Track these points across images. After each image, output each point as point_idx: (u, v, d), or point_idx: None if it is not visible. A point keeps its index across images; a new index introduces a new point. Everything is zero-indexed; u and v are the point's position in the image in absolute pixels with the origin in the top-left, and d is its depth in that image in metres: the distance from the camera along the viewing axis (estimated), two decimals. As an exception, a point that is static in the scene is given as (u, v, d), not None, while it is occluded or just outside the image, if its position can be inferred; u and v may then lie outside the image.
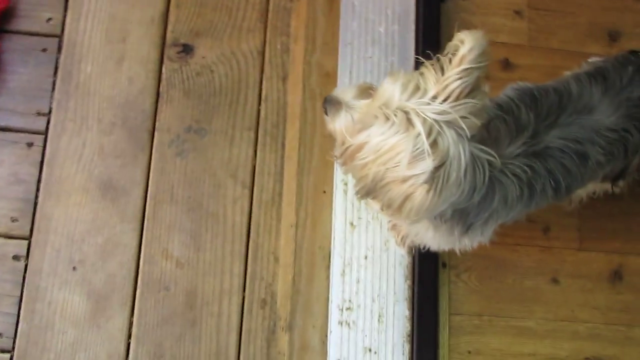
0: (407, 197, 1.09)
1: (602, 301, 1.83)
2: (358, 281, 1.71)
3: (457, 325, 1.76)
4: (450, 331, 1.75)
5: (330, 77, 1.84)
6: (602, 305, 1.83)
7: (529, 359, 1.77)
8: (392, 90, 1.11)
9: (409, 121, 1.08)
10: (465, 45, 1.07)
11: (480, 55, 1.07)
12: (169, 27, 1.86)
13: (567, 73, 1.56)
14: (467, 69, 1.07)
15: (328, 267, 1.73)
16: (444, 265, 1.78)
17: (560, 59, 1.95)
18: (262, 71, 1.86)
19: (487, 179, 1.15)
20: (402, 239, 1.74)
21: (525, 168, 1.27)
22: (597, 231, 1.87)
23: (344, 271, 1.71)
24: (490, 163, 1.15)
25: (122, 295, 1.68)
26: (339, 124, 1.23)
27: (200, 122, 1.81)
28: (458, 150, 1.07)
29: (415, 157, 1.06)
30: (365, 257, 1.73)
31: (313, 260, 1.73)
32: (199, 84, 1.83)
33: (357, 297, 1.71)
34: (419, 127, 1.06)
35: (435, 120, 1.07)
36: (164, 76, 1.82)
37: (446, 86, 1.09)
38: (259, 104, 1.84)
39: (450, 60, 1.09)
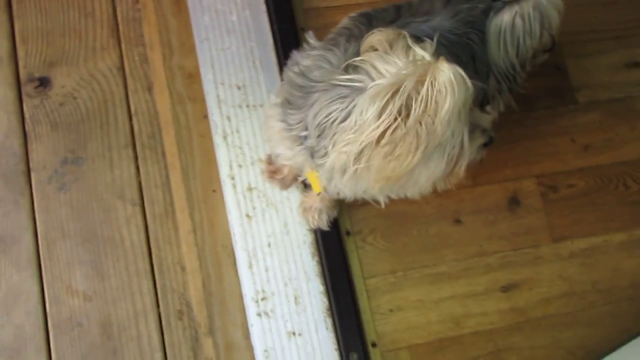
0: None
1: (506, 229, 1.88)
2: (267, 270, 1.72)
3: (373, 287, 1.78)
4: (369, 295, 1.77)
5: (194, 77, 1.82)
6: (507, 234, 1.88)
7: (449, 302, 1.81)
8: None
9: None
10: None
11: None
12: (20, 64, 1.81)
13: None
14: None
15: (234, 263, 1.72)
16: (348, 233, 1.80)
17: None
18: (125, 86, 1.83)
19: None
20: (319, 215, 1.72)
21: None
22: (487, 164, 1.91)
23: (250, 263, 1.72)
24: None
25: (35, 343, 1.65)
26: None
27: (75, 152, 1.77)
28: None
29: None
30: (269, 245, 1.73)
31: (218, 260, 1.73)
32: (65, 114, 1.79)
33: (269, 285, 1.71)
34: None
35: None
36: (26, 115, 1.78)
37: None
38: (130, 119, 1.81)
39: None
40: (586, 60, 2.04)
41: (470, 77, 1.40)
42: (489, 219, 1.88)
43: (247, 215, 1.74)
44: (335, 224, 1.77)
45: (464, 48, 1.38)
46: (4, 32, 1.81)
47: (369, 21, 1.35)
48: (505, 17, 1.37)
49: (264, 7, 1.88)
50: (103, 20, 1.87)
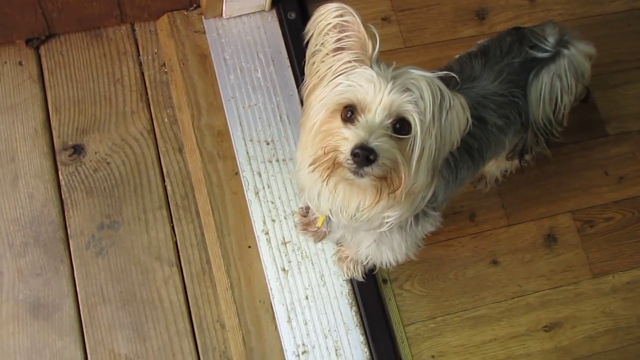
0: None
1: (544, 267, 1.86)
2: (306, 323, 1.72)
3: (414, 334, 1.77)
4: (409, 342, 1.76)
5: (223, 135, 1.85)
6: (546, 271, 1.86)
7: (491, 345, 1.78)
8: None
9: None
10: None
11: None
12: (55, 133, 1.85)
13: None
14: None
15: (273, 318, 1.73)
16: (385, 281, 1.80)
17: (437, 51, 1.99)
18: (157, 148, 1.87)
19: None
20: (354, 266, 1.73)
21: None
22: (521, 202, 1.91)
23: (289, 317, 1.72)
24: None
25: (80, 409, 1.67)
26: None
27: (111, 216, 1.80)
28: None
29: None
30: (306, 297, 1.73)
31: (257, 315, 1.73)
32: (99, 179, 1.83)
33: (309, 338, 1.71)
34: None
35: None
36: (62, 182, 1.82)
37: None
38: (163, 180, 1.84)
39: None
40: (613, 92, 2.03)
41: (518, 132, 1.43)
42: (526, 258, 1.86)
43: (284, 269, 1.74)
44: (371, 273, 1.76)
45: (510, 106, 1.41)
46: (38, 103, 1.86)
47: None
48: (544, 79, 1.39)
49: (287, 62, 1.91)
50: (132, 85, 1.91)
